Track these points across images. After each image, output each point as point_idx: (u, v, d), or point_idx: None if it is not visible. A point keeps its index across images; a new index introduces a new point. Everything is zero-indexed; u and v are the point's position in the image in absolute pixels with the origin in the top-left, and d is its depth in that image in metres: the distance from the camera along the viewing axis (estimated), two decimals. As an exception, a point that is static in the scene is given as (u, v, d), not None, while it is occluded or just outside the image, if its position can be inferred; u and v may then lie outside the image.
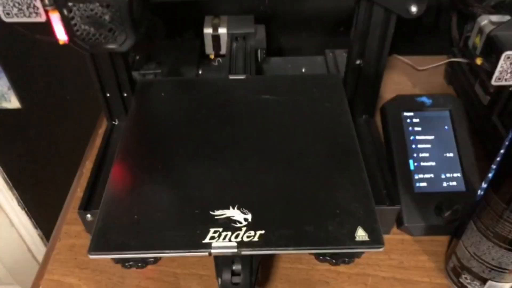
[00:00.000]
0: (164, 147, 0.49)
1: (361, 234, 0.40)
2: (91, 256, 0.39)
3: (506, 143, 0.42)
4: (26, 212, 1.12)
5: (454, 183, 0.54)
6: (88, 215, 0.50)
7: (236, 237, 0.39)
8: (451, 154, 0.56)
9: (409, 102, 0.60)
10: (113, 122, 0.62)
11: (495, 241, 0.42)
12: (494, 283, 0.44)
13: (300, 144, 0.49)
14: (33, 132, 0.97)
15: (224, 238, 0.39)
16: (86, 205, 0.51)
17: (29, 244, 1.19)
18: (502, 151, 0.43)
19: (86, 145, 0.68)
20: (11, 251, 1.18)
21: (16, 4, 0.45)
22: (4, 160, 1.02)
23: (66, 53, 0.70)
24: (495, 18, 0.54)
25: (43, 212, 1.13)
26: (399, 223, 0.53)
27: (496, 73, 0.50)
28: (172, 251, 0.39)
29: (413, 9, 0.49)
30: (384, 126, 0.60)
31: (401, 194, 0.53)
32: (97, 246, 0.39)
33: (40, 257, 1.23)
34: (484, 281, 0.45)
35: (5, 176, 1.04)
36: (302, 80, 0.59)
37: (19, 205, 1.10)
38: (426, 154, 0.56)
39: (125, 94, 0.59)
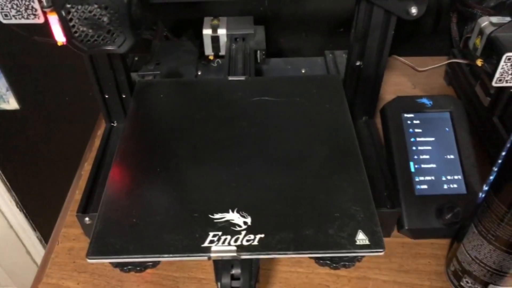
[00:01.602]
0: (163, 149, 0.48)
1: (361, 237, 0.39)
2: (89, 260, 0.38)
3: (508, 145, 0.41)
4: (24, 214, 1.12)
5: (455, 186, 0.54)
6: (87, 218, 0.50)
7: (236, 241, 0.39)
8: (452, 156, 0.56)
9: (409, 103, 0.59)
10: (112, 124, 0.62)
11: (497, 244, 0.41)
12: (495, 286, 0.44)
13: (300, 146, 0.49)
14: (31, 133, 0.96)
15: (223, 242, 0.39)
16: (85, 208, 0.50)
17: (27, 246, 1.19)
18: (503, 153, 0.42)
19: (84, 147, 0.68)
20: (9, 253, 1.17)
21: (14, 6, 0.45)
22: (3, 161, 1.02)
23: (64, 54, 0.70)
24: (495, 19, 0.54)
25: (41, 214, 1.13)
26: (400, 226, 0.53)
27: (497, 75, 0.50)
28: (171, 255, 0.38)
29: (413, 10, 0.49)
30: (384, 127, 0.60)
31: (402, 197, 0.53)
32: (96, 250, 0.39)
33: (38, 259, 1.23)
34: (485, 284, 0.45)
35: (3, 177, 1.04)
36: (302, 82, 0.58)
37: (17, 207, 1.10)
38: (427, 156, 0.56)
39: (123, 96, 0.59)
